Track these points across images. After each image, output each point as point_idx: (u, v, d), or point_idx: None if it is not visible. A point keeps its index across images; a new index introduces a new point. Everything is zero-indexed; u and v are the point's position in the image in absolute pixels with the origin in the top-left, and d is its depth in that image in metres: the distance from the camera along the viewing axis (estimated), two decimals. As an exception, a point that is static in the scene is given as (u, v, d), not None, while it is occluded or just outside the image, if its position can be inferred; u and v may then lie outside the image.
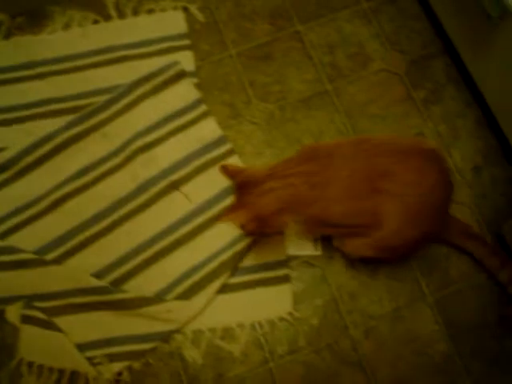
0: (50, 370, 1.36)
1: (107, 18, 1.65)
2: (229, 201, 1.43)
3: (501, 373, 1.32)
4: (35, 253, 1.43)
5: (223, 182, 1.45)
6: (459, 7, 1.43)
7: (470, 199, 1.44)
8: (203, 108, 1.54)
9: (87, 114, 1.53)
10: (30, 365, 1.36)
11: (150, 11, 1.65)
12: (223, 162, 1.47)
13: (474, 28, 1.39)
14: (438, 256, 1.40)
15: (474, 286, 1.38)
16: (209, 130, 1.52)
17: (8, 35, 1.64)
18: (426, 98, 1.53)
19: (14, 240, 1.45)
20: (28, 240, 1.45)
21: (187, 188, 1.47)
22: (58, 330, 1.37)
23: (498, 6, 1.21)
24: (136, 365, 1.36)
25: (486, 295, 1.38)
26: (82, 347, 1.36)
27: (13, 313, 1.40)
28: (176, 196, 1.47)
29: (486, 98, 1.46)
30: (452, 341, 1.35)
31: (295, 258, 1.40)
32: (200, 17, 1.64)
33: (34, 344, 1.38)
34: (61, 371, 1.36)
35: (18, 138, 1.52)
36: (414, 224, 1.19)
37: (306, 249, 1.40)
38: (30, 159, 1.50)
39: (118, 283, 1.40)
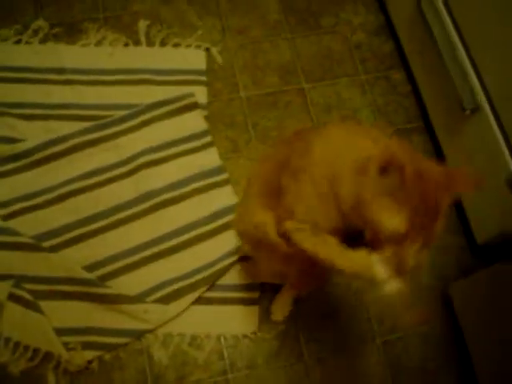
0: (26, 347, 1.45)
1: (136, 43, 1.84)
2: (216, 224, 1.60)
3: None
4: (33, 238, 1.54)
5: (214, 206, 1.62)
6: (441, 93, 1.65)
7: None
8: (208, 138, 1.71)
9: (103, 124, 1.69)
10: (7, 340, 1.46)
11: (176, 45, 1.84)
12: (218, 189, 1.64)
13: (450, 114, 1.61)
14: (390, 303, 1.57)
15: (418, 335, 1.55)
16: (210, 158, 1.69)
17: (44, 40, 1.81)
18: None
19: (15, 223, 1.56)
20: (28, 226, 1.57)
21: (181, 206, 1.62)
22: (41, 312, 1.48)
23: (472, 101, 1.43)
24: (106, 356, 1.47)
25: (427, 344, 1.54)
26: (59, 331, 1.47)
27: (0, 290, 1.51)
28: (169, 211, 1.61)
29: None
30: (392, 380, 1.50)
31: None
32: (219, 59, 1.84)
33: (14, 321, 1.47)
34: (36, 350, 1.45)
35: (36, 133, 1.66)
36: None
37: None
38: (43, 154, 1.64)
39: (104, 279, 1.52)
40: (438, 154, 1.74)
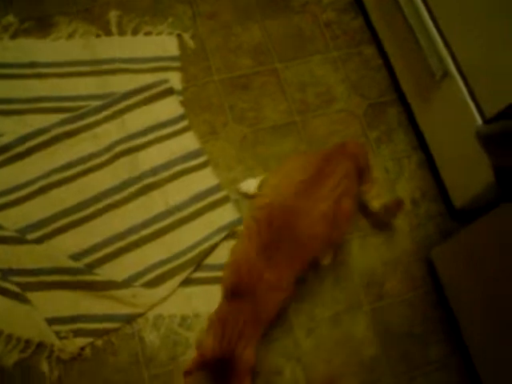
0: (18, 339, 1.47)
1: (108, 33, 1.84)
2: (198, 205, 1.62)
3: (423, 376, 1.52)
4: (17, 232, 1.55)
5: (195, 188, 1.64)
6: (411, 64, 1.68)
7: (406, 226, 1.67)
8: (185, 123, 1.73)
9: (80, 115, 1.70)
10: (0, 333, 1.48)
11: (148, 33, 1.85)
12: (198, 172, 1.67)
13: (421, 83, 1.65)
14: (376, 271, 1.61)
15: (403, 300, 1.59)
16: (188, 142, 1.71)
17: (14, 36, 1.81)
18: (378, 138, 1.77)
19: (-2, 218, 1.58)
20: (12, 219, 1.58)
21: (163, 190, 1.64)
22: (30, 303, 1.49)
23: (441, 67, 1.46)
24: (98, 342, 1.49)
25: (413, 309, 1.58)
26: (50, 321, 1.48)
27: (-13, 284, 1.52)
28: (152, 196, 1.63)
29: (429, 144, 1.70)
30: (381, 345, 1.54)
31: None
32: (191, 44, 1.85)
33: (4, 314, 1.49)
34: (27, 341, 1.47)
35: (14, 128, 1.67)
36: None
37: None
38: (23, 148, 1.64)
39: (92, 266, 1.53)
40: (413, 124, 1.78)
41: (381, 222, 1.65)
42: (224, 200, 1.64)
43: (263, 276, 1.29)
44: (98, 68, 1.78)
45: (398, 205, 1.56)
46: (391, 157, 1.76)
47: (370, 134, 1.78)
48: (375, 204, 1.55)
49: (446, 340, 1.56)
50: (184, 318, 1.52)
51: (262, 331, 1.35)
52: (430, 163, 1.74)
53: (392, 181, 1.72)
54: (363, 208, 1.62)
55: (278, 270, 1.31)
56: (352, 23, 1.95)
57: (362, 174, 1.49)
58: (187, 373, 1.26)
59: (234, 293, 1.32)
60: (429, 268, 1.62)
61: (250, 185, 1.61)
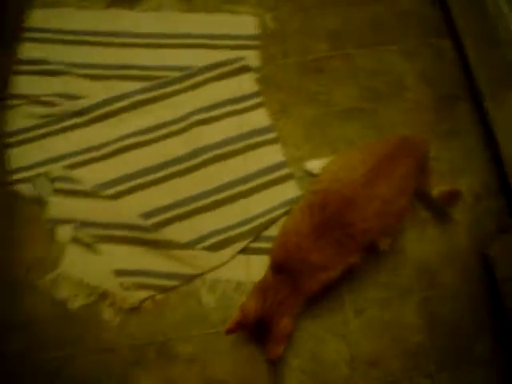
0: (85, 286, 1.59)
1: (192, 9, 1.93)
2: (265, 179, 1.69)
3: (465, 369, 1.53)
4: (93, 188, 1.67)
5: (263, 163, 1.71)
6: (489, 59, 1.67)
7: (465, 220, 1.67)
8: (259, 100, 1.79)
9: (159, 84, 1.80)
10: (68, 278, 1.59)
11: (231, 11, 1.93)
12: (267, 147, 1.73)
13: (497, 80, 1.64)
14: (431, 262, 1.62)
15: (455, 293, 1.60)
16: (260, 118, 1.77)
17: (109, 6, 1.94)
18: (446, 131, 1.78)
19: (77, 174, 1.70)
20: (89, 177, 1.70)
21: (232, 162, 1.71)
22: (99, 254, 1.61)
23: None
24: (158, 297, 1.58)
25: (464, 302, 1.59)
26: (116, 273, 1.59)
27: (63, 233, 1.64)
28: (220, 166, 1.71)
29: (499, 141, 1.69)
30: (428, 334, 1.55)
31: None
32: (271, 25, 1.91)
33: (75, 262, 1.61)
34: (94, 289, 1.58)
35: (99, 92, 1.79)
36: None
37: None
38: (104, 110, 1.76)
39: (158, 226, 1.63)
40: (483, 121, 1.77)
41: (440, 215, 1.66)
42: (288, 177, 1.69)
43: (310, 256, 1.35)
44: (180, 41, 1.87)
45: (454, 194, 1.58)
46: (457, 151, 1.75)
47: (438, 127, 1.78)
48: (434, 192, 1.57)
49: (494, 337, 1.56)
50: (239, 284, 1.59)
51: (301, 304, 1.43)
52: (495, 160, 1.73)
53: (456, 174, 1.72)
54: (423, 199, 1.64)
55: (324, 253, 1.36)
56: (430, 14, 1.95)
57: (422, 168, 1.52)
58: (229, 331, 1.36)
59: (280, 266, 1.40)
60: (484, 263, 1.62)
61: (315, 165, 1.66)
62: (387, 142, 1.49)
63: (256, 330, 1.42)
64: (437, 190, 1.58)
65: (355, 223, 1.36)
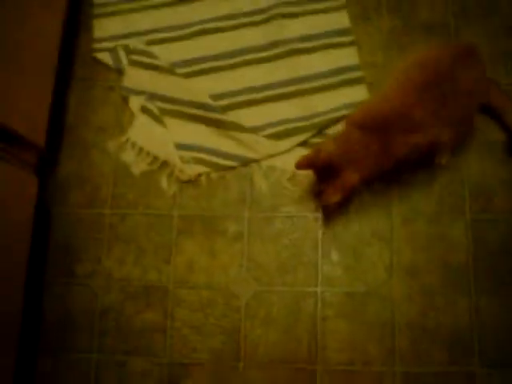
0: (148, 153, 1.67)
1: None
2: (338, 78, 1.70)
3: (506, 296, 1.51)
4: (170, 64, 1.73)
5: (340, 62, 1.71)
6: None
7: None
8: (342, 1, 1.77)
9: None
10: (134, 144, 1.68)
11: None
12: (342, 49, 1.73)
13: None
14: (488, 184, 1.60)
15: (508, 219, 1.57)
16: (340, 20, 1.75)
17: None
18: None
19: (156, 49, 1.76)
20: (168, 53, 1.75)
21: (307, 58, 1.73)
22: (165, 126, 1.68)
23: None
24: (214, 174, 1.64)
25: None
26: (177, 146, 1.66)
27: (135, 102, 1.71)
28: (295, 61, 1.72)
29: None
30: (473, 256, 1.54)
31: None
32: None
33: (142, 130, 1.69)
34: (155, 157, 1.66)
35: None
36: None
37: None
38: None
39: (226, 109, 1.68)
40: None
41: (508, 145, 1.62)
42: (359, 80, 1.69)
43: (413, 111, 1.35)
44: None
45: None
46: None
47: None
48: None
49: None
50: (294, 175, 1.63)
51: (377, 171, 1.44)
52: None
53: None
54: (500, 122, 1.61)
55: (426, 109, 1.37)
56: None
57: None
58: (299, 165, 1.41)
59: (376, 123, 1.38)
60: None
61: None
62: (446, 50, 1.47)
63: (320, 175, 1.45)
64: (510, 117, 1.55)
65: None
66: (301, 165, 1.41)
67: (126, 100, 1.72)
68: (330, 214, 1.59)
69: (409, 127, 1.37)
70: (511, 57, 1.69)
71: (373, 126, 1.38)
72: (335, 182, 1.39)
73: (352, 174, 1.37)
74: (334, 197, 1.40)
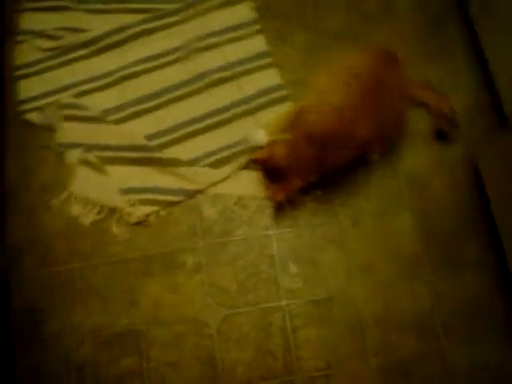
0: (94, 203, 1.69)
1: None
2: (264, 100, 1.77)
3: (460, 274, 1.59)
4: (100, 113, 1.76)
5: (260, 86, 1.78)
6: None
7: (458, 137, 1.72)
8: (257, 27, 1.86)
9: (160, 16, 1.87)
10: (79, 198, 1.70)
11: None
12: (264, 71, 1.81)
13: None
14: (422, 174, 1.69)
15: (447, 203, 1.66)
16: (257, 44, 1.84)
17: None
18: (435, 51, 1.83)
19: (84, 101, 1.79)
20: (96, 103, 1.79)
21: (232, 84, 1.79)
22: (107, 174, 1.70)
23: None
24: (162, 212, 1.67)
25: (455, 212, 1.66)
26: (122, 191, 1.69)
27: (72, 156, 1.73)
28: (221, 89, 1.79)
29: (490, 61, 1.73)
30: (424, 243, 1.62)
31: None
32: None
33: (85, 182, 1.71)
34: (102, 206, 1.68)
35: (100, 24, 1.87)
36: None
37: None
38: (106, 42, 1.84)
39: (162, 147, 1.72)
40: (473, 41, 1.81)
41: (437, 132, 1.72)
42: (285, 98, 1.77)
43: (353, 131, 1.48)
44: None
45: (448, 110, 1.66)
46: (447, 70, 1.80)
47: (426, 47, 1.83)
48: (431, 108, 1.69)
49: (485, 243, 1.61)
50: (240, 198, 1.68)
51: (314, 179, 1.58)
52: (485, 79, 1.78)
53: (446, 94, 1.76)
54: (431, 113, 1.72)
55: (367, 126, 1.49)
56: None
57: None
58: (255, 161, 1.60)
59: (319, 139, 1.48)
60: (475, 175, 1.67)
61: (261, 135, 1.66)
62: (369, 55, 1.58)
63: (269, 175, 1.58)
64: (433, 105, 1.68)
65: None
66: (256, 162, 1.58)
67: (61, 156, 1.73)
68: (281, 228, 1.64)
69: (347, 143, 1.50)
70: (419, 52, 1.81)
71: (318, 141, 1.48)
72: (281, 183, 1.52)
73: (295, 179, 1.51)
74: (278, 196, 1.55)
